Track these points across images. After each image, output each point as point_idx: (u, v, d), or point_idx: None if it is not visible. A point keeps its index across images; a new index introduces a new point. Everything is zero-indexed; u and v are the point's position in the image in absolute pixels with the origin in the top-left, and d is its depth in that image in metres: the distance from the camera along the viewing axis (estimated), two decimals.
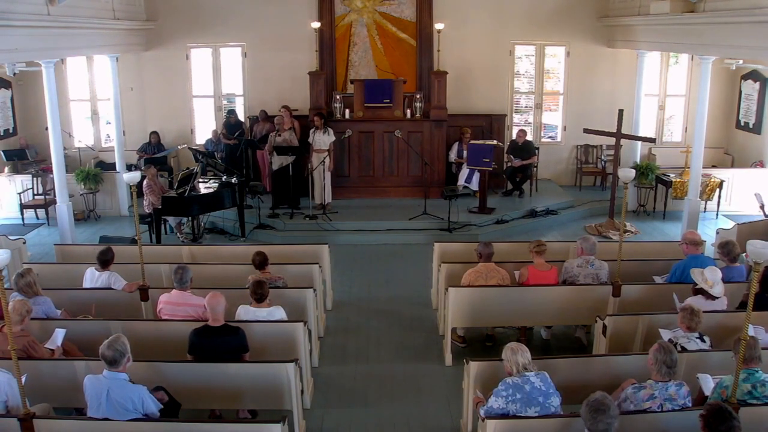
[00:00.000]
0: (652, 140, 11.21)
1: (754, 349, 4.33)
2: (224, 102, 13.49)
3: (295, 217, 10.86)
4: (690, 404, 4.32)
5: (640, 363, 4.75)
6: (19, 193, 11.40)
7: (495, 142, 11.47)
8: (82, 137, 13.17)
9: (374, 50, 12.81)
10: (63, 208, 9.97)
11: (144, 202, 9.87)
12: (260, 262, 6.49)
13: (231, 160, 11.99)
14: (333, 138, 11.10)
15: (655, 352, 4.29)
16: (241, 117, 12.97)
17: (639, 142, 12.04)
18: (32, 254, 9.19)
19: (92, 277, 6.50)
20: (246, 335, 5.19)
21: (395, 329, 7.44)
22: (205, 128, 13.44)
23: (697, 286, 5.75)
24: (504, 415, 4.29)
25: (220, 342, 5.06)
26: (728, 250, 6.43)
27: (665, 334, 5.19)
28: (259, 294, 5.65)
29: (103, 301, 6.33)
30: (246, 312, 5.71)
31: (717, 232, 8.77)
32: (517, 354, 4.37)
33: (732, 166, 12.69)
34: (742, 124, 12.74)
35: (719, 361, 4.95)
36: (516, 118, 13.50)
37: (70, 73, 13.21)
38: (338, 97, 12.08)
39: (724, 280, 5.98)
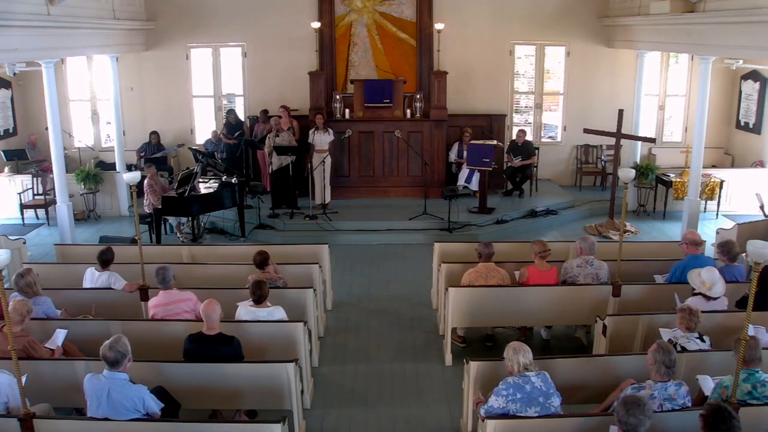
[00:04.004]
0: (652, 140, 11.21)
1: (755, 350, 4.32)
2: (224, 102, 13.49)
3: (295, 217, 10.86)
4: (689, 404, 4.32)
5: (640, 363, 4.75)
6: (19, 193, 11.39)
7: (495, 142, 11.47)
8: (82, 137, 13.17)
9: (374, 50, 12.81)
10: (63, 208, 9.97)
11: (144, 202, 9.87)
12: (260, 261, 6.48)
13: (231, 160, 12.00)
14: (333, 137, 11.13)
15: (654, 352, 4.29)
16: (241, 117, 12.97)
17: (639, 142, 12.05)
18: (32, 254, 9.19)
19: (92, 277, 6.51)
20: (241, 344, 5.15)
21: (395, 329, 7.44)
22: (205, 128, 13.43)
23: (695, 291, 5.74)
24: (504, 415, 4.29)
25: (213, 351, 5.03)
26: (727, 249, 6.44)
27: (665, 334, 5.19)
28: (258, 295, 5.64)
29: (103, 301, 6.33)
30: (246, 312, 5.71)
31: (717, 232, 8.77)
32: (519, 353, 4.38)
33: (732, 166, 12.70)
34: (742, 124, 12.74)
35: (719, 361, 4.95)
36: (516, 118, 13.49)
37: (70, 73, 13.21)
38: (338, 97, 12.09)
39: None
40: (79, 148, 12.80)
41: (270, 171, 11.31)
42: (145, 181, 9.73)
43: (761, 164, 11.91)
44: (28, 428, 4.23)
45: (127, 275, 6.51)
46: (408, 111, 12.01)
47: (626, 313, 6.13)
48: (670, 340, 4.94)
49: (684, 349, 4.99)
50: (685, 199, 10.46)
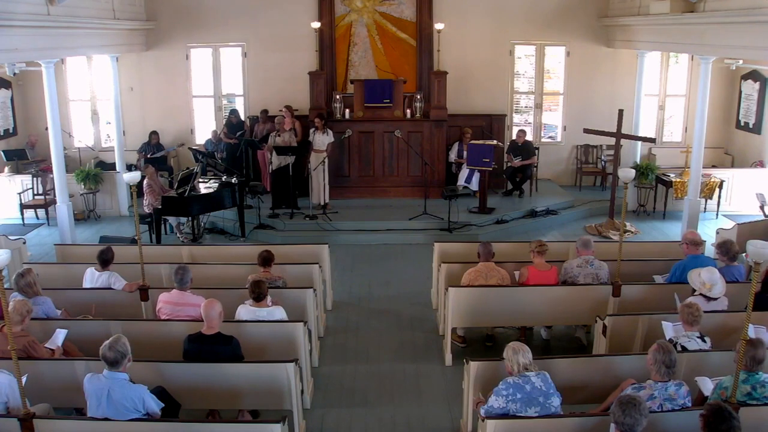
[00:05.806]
0: (652, 140, 11.22)
1: (757, 352, 4.30)
2: (224, 102, 13.49)
3: (295, 217, 10.85)
4: (690, 404, 4.32)
5: (640, 363, 4.75)
6: (19, 193, 11.39)
7: (495, 142, 11.48)
8: (82, 137, 13.17)
9: (374, 50, 12.81)
10: (63, 208, 9.96)
11: (144, 202, 9.87)
12: (264, 258, 6.49)
13: (231, 160, 12.00)
14: (332, 139, 11.12)
15: (654, 353, 4.29)
16: (242, 117, 12.97)
17: (639, 142, 12.06)
18: (32, 254, 9.20)
19: (92, 277, 6.51)
20: (240, 344, 5.14)
21: (395, 329, 7.44)
22: (205, 128, 13.44)
23: (696, 293, 5.75)
24: (504, 415, 4.29)
25: (211, 351, 5.02)
26: (726, 249, 6.44)
27: (667, 327, 5.21)
28: (257, 293, 5.65)
29: (103, 301, 6.33)
30: (246, 312, 5.72)
31: (717, 232, 8.77)
32: (518, 354, 4.37)
33: (732, 166, 12.70)
34: (742, 124, 12.74)
35: (719, 361, 4.95)
36: (516, 118, 13.50)
37: (70, 73, 13.21)
38: (338, 97, 12.08)
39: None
40: (79, 148, 12.80)
41: (270, 171, 11.31)
42: (144, 182, 9.72)
43: (761, 164, 11.91)
44: (28, 428, 4.23)
45: (127, 275, 6.51)
46: (408, 111, 12.00)
47: (626, 313, 6.13)
48: (670, 340, 4.95)
49: (684, 349, 4.99)
50: (685, 199, 10.45)
